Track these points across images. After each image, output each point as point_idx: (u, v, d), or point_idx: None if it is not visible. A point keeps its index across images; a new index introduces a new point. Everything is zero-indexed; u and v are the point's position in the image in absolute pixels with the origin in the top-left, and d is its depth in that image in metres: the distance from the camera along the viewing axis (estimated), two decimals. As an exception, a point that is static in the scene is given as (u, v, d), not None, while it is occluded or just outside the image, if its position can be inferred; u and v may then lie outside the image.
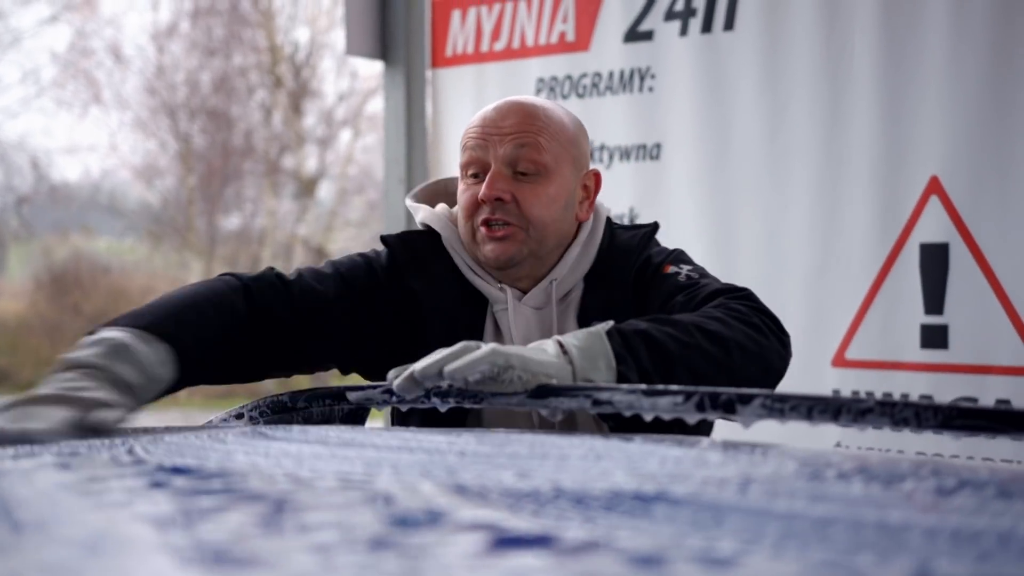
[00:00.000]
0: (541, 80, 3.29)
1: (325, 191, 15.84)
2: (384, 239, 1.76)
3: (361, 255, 1.75)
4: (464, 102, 3.45)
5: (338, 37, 16.85)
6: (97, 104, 16.39)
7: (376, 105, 16.45)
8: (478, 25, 3.42)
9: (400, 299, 1.69)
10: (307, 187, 15.16)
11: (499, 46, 3.39)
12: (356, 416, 1.40)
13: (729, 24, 2.95)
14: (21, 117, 22.80)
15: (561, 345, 1.36)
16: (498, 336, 1.70)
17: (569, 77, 3.24)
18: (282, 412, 1.40)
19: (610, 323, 1.45)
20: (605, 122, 3.16)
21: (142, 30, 23.83)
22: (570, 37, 3.25)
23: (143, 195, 17.68)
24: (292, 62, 15.21)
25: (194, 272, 16.63)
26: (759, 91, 2.90)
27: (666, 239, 3.04)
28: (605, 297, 1.71)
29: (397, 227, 3.55)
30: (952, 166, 2.62)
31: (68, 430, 1.17)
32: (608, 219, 1.82)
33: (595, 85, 3.19)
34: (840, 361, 2.78)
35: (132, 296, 17.75)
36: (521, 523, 0.64)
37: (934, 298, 2.65)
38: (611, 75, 3.16)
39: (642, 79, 3.11)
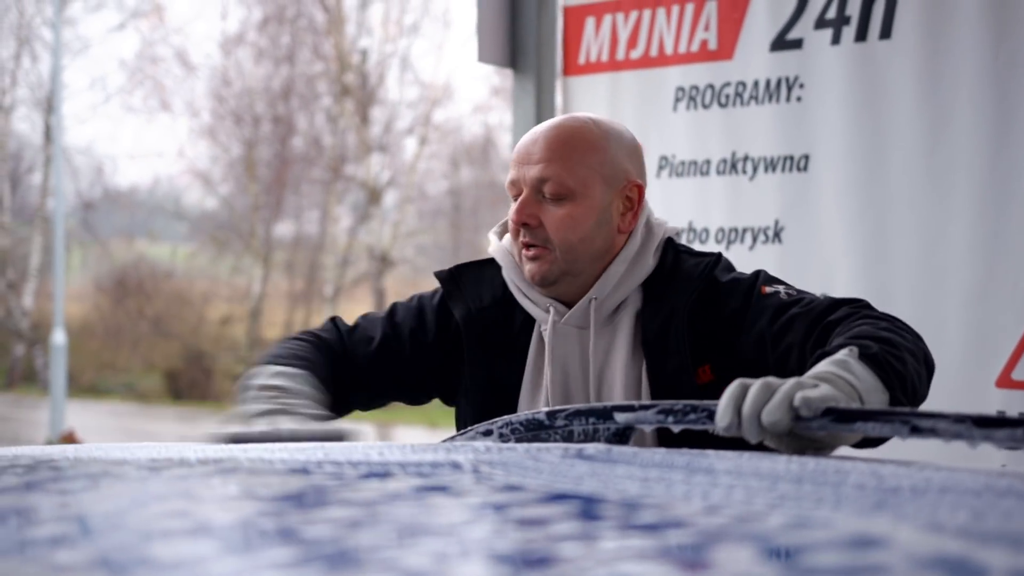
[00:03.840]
0: (681, 89, 3.23)
1: (389, 199, 15.87)
2: (436, 274, 1.90)
3: (418, 297, 1.92)
4: (597, 110, 3.37)
5: (404, 45, 16.91)
6: (164, 110, 16.57)
7: (440, 115, 16.49)
8: (613, 33, 3.37)
9: (448, 330, 1.86)
10: (373, 195, 15.18)
11: (636, 54, 3.33)
12: (621, 437, 1.34)
13: (886, 32, 2.87)
14: (89, 123, 23.17)
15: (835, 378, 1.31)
16: (540, 356, 1.80)
17: (711, 86, 3.17)
18: (537, 430, 1.34)
19: (855, 348, 1.40)
20: (749, 132, 3.09)
21: (209, 38, 24.10)
22: (712, 45, 3.18)
23: (207, 201, 17.82)
24: (360, 70, 15.25)
25: (255, 279, 16.74)
26: (919, 102, 2.81)
27: (813, 254, 2.99)
28: (664, 320, 1.73)
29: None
30: None
31: (311, 435, 1.48)
32: (671, 240, 1.84)
33: (739, 95, 3.12)
34: (1006, 382, 2.68)
35: (193, 301, 17.90)
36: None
37: (1112, 318, 2.54)
38: (756, 84, 3.09)
39: (790, 89, 3.03)
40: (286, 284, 17.59)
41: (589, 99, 3.41)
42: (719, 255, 1.80)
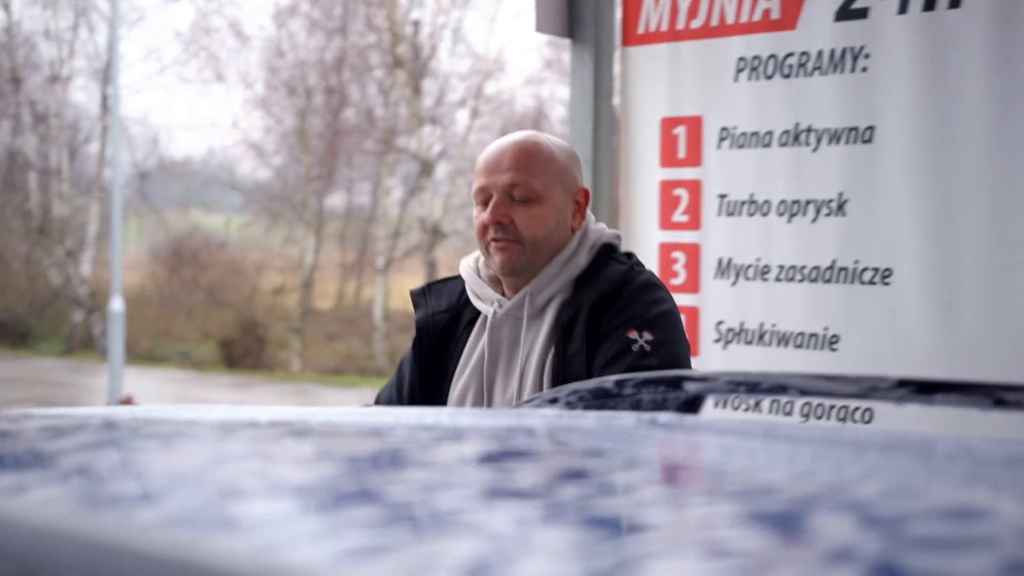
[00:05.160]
0: (742, 59, 3.17)
1: (440, 172, 15.86)
2: (411, 291, 2.23)
3: None
4: (657, 81, 3.35)
5: (456, 17, 16.85)
6: (218, 81, 16.67)
7: (492, 87, 16.43)
8: (673, 1, 3.31)
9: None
10: (424, 167, 15.19)
11: (696, 23, 3.27)
12: (690, 406, 1.33)
13: (955, 1, 2.80)
14: (144, 93, 23.39)
15: None
16: (475, 345, 2.09)
17: (773, 56, 3.12)
18: (604, 398, 1.32)
19: None
20: (813, 103, 3.03)
21: (263, 9, 24.19)
22: (775, 15, 3.12)
23: (260, 172, 17.94)
24: (412, 42, 15.23)
25: (307, 250, 16.85)
26: (989, 73, 2.74)
27: (878, 228, 2.93)
28: (576, 310, 2.00)
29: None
30: None
31: None
32: (610, 246, 2.10)
33: (802, 65, 3.06)
34: (1075, 360, 2.62)
35: (247, 272, 18.06)
36: None
37: None
38: (820, 55, 3.03)
39: (855, 59, 2.97)
40: (338, 255, 17.68)
41: (648, 70, 3.37)
42: (641, 269, 2.07)
